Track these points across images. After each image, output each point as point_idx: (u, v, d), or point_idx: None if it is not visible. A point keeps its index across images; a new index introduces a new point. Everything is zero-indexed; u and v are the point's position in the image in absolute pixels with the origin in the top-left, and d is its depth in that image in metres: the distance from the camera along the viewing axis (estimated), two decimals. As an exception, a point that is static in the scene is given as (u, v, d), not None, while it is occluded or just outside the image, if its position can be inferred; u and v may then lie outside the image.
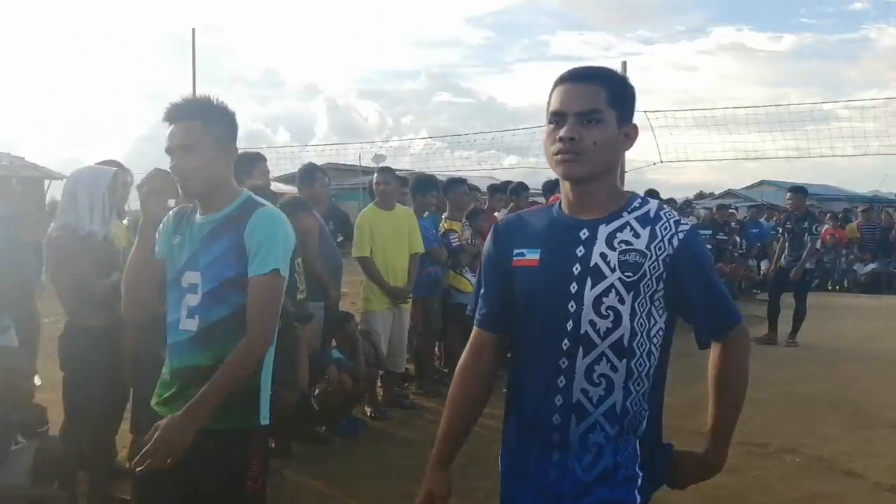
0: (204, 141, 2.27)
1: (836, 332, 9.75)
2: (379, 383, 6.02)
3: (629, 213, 1.77)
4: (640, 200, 1.80)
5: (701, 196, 30.97)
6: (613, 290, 1.70)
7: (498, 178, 13.60)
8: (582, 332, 1.72)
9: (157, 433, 2.12)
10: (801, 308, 9.02)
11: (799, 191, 9.57)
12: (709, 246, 12.40)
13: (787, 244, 9.28)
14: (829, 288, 15.22)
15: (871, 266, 15.30)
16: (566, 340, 1.73)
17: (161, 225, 2.40)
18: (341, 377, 5.10)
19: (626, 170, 11.81)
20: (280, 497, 4.18)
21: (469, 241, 6.78)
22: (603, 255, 1.72)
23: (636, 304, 1.71)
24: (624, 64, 11.20)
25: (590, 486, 1.73)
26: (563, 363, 1.74)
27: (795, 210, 9.30)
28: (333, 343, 5.60)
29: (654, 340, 1.74)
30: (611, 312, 1.70)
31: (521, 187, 8.11)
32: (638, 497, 1.74)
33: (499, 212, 7.51)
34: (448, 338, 6.72)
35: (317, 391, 5.01)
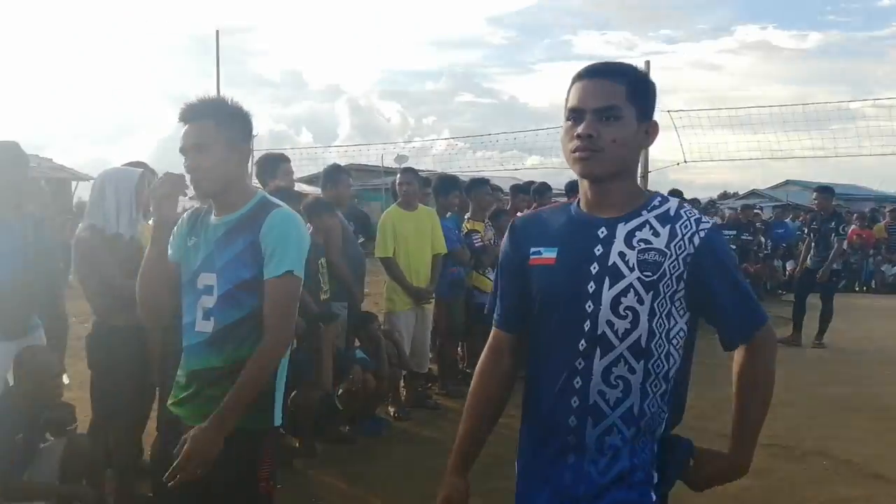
0: (217, 140, 2.28)
1: (864, 333, 9.64)
2: (402, 383, 6.04)
3: (648, 211, 1.73)
4: (659, 199, 1.76)
5: (725, 196, 30.74)
6: (632, 289, 1.67)
7: (520, 179, 13.56)
8: (599, 332, 1.68)
9: (185, 446, 2.15)
10: (828, 309, 8.92)
11: (825, 190, 9.47)
12: (733, 246, 12.33)
13: (813, 245, 9.19)
14: (856, 289, 15.01)
15: (900, 267, 15.09)
16: (583, 341, 1.70)
17: (175, 227, 2.41)
18: (365, 377, 5.12)
19: (649, 170, 11.72)
20: (304, 496, 4.20)
21: (492, 241, 6.77)
22: (621, 254, 1.69)
23: (655, 305, 1.67)
24: (647, 63, 11.06)
25: (605, 489, 1.71)
26: (580, 364, 1.70)
27: (822, 210, 9.21)
28: (356, 343, 5.63)
29: (674, 342, 1.70)
30: (629, 313, 1.67)
31: (545, 187, 8.09)
32: (654, 496, 1.72)
33: (522, 212, 7.50)
34: (471, 338, 6.71)
35: (341, 391, 5.03)
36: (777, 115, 13.31)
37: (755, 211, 15.35)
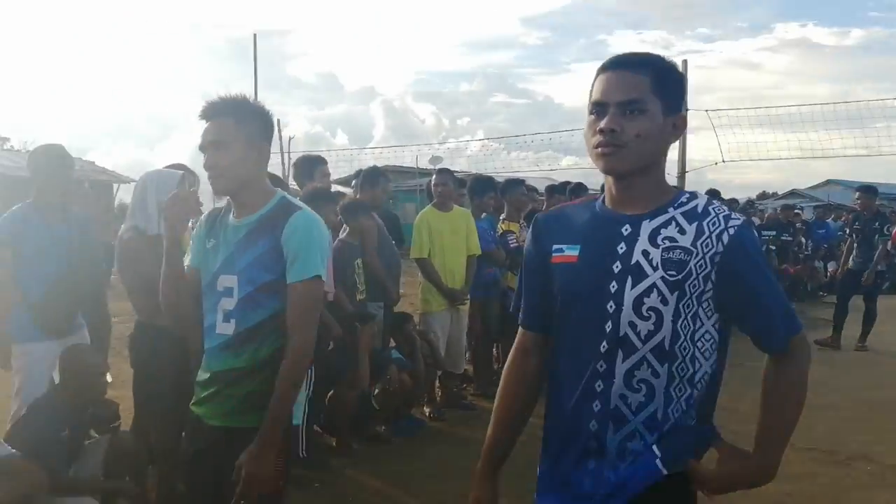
0: (235, 138, 2.27)
1: (908, 336, 9.41)
2: (437, 384, 6.05)
3: (675, 208, 1.65)
4: (687, 195, 1.69)
5: (764, 196, 30.30)
6: (655, 289, 1.59)
7: (556, 179, 13.51)
8: (621, 334, 1.61)
9: (241, 473, 2.18)
10: (872, 311, 8.74)
11: (868, 190, 9.29)
12: (773, 247, 12.15)
13: (855, 245, 9.02)
14: (900, 291, 14.68)
15: (946, 268, 14.71)
16: (605, 342, 1.63)
17: (193, 231, 2.43)
18: (401, 377, 5.14)
19: (686, 170, 11.57)
20: (340, 495, 4.23)
21: (527, 242, 6.75)
22: (645, 253, 1.61)
23: (681, 306, 1.59)
24: (684, 62, 10.91)
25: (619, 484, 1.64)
26: (602, 366, 1.64)
27: (864, 210, 9.03)
28: (392, 343, 5.66)
29: (700, 344, 1.62)
30: (652, 314, 1.59)
31: (580, 188, 8.04)
32: (663, 469, 1.61)
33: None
34: (506, 339, 6.70)
35: (377, 391, 5.06)
36: (818, 113, 13.02)
37: (795, 211, 15.10)
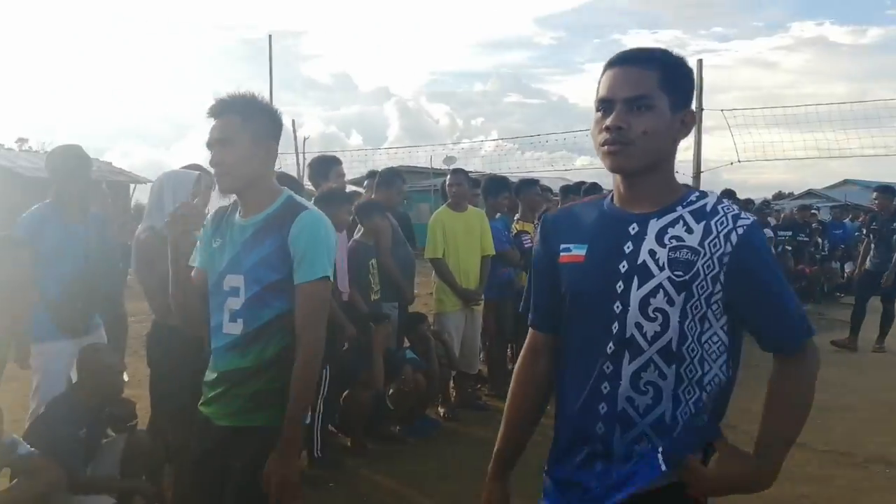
0: (241, 136, 2.26)
1: (927, 337, 9.31)
2: (451, 384, 6.06)
3: (683, 206, 1.62)
4: (697, 194, 1.65)
5: (780, 196, 30.11)
6: (661, 290, 1.56)
7: (570, 179, 13.47)
8: (628, 335, 1.59)
9: (271, 482, 2.19)
10: (889, 313, 8.66)
11: (886, 190, 9.19)
12: (789, 248, 12.06)
13: (872, 246, 8.94)
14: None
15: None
16: (611, 344, 1.61)
17: (201, 231, 2.43)
18: (416, 377, 5.15)
19: (701, 170, 11.52)
20: (355, 495, 4.25)
21: (541, 242, 6.74)
22: (651, 252, 1.58)
23: (688, 307, 1.55)
24: (699, 62, 10.88)
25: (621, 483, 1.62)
26: (608, 368, 1.61)
27: (882, 210, 8.95)
28: (406, 343, 5.67)
29: (707, 346, 1.58)
30: (658, 315, 1.56)
31: (595, 188, 8.00)
32: (662, 464, 1.57)
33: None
34: (520, 339, 6.68)
35: (392, 391, 5.08)
36: (835, 112, 12.94)
37: (812, 211, 14.99)
